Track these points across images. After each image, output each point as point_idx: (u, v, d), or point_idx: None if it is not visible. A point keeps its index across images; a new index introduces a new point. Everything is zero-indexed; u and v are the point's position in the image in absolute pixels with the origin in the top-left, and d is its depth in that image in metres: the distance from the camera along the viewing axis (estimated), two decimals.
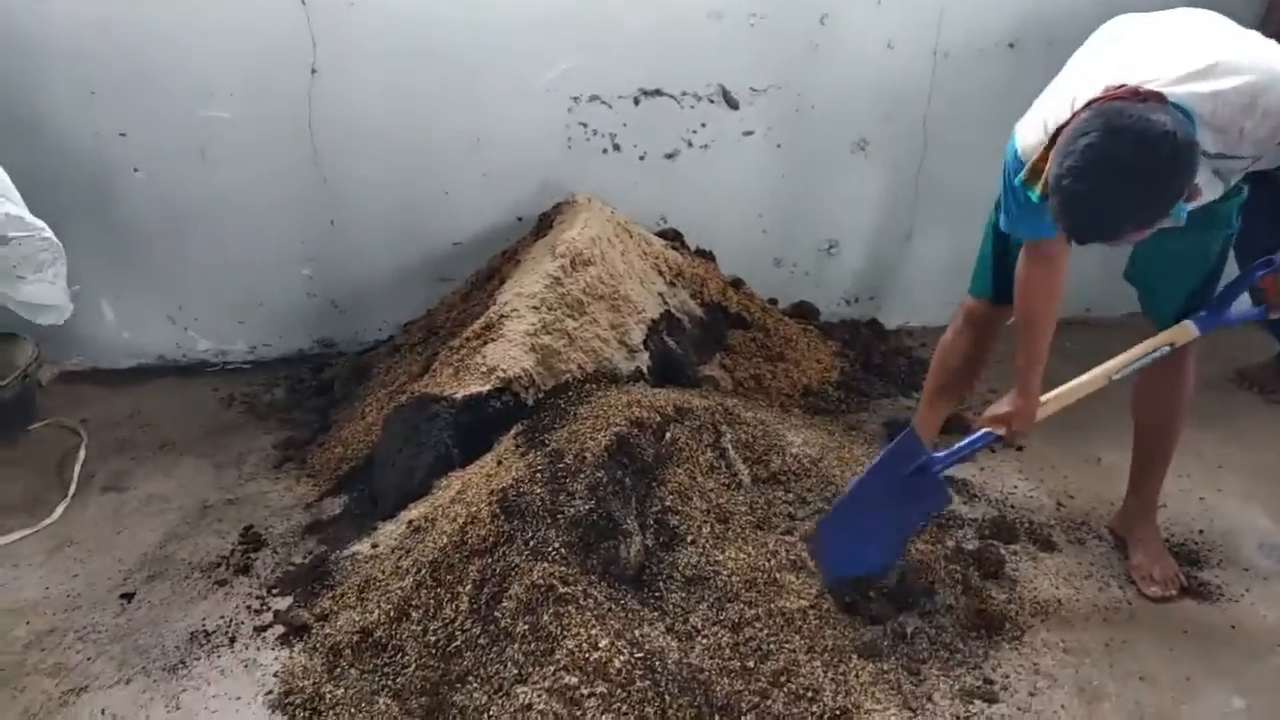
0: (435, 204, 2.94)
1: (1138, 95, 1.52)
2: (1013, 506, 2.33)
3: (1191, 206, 1.57)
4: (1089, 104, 1.54)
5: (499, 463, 2.12)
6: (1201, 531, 2.23)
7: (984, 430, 1.97)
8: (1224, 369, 2.91)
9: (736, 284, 3.00)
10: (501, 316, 2.43)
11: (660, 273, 2.78)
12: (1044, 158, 1.60)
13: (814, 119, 2.92)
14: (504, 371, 2.32)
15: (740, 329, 2.87)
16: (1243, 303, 1.98)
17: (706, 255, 3.03)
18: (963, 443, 1.98)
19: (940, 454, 1.97)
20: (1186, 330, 1.91)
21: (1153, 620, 1.98)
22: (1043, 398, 1.96)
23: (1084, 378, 1.95)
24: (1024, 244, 1.87)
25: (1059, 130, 1.58)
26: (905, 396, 2.81)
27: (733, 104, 2.89)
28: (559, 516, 1.93)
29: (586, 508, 1.94)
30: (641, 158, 2.94)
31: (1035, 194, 1.61)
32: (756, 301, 3.00)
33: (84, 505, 2.40)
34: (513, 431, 2.22)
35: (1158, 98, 1.52)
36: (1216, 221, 1.85)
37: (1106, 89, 1.56)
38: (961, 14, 2.80)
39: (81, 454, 2.57)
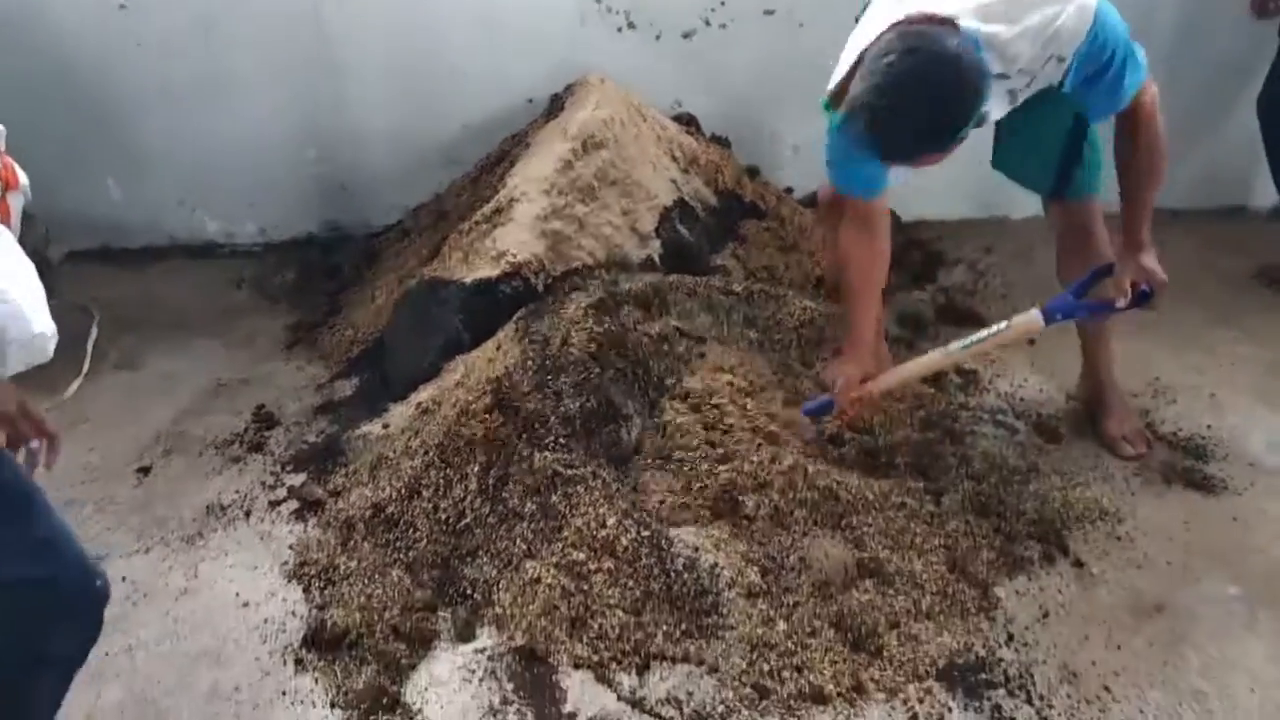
0: (444, 85, 2.86)
1: (933, 20, 1.58)
2: (1021, 399, 2.33)
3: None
4: (891, 25, 1.59)
5: (499, 348, 2.11)
6: (1210, 426, 2.23)
7: (825, 396, 1.99)
8: (1246, 266, 2.86)
9: (752, 172, 2.94)
10: (511, 200, 2.39)
11: (674, 158, 2.71)
12: (848, 80, 1.66)
13: None
14: (513, 256, 2.29)
15: (754, 218, 2.82)
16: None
17: (722, 141, 2.96)
18: (811, 404, 2.02)
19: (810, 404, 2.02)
20: (1032, 319, 1.90)
21: (1154, 511, 1.99)
22: (886, 377, 1.98)
23: (924, 360, 1.97)
24: (847, 206, 1.93)
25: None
26: (919, 289, 2.78)
27: None
28: (558, 404, 1.94)
29: (582, 396, 1.95)
30: (657, 37, 2.84)
31: (836, 116, 1.64)
32: (772, 190, 2.94)
33: (98, 383, 2.42)
34: (515, 317, 2.20)
35: (951, 23, 1.57)
36: (1056, 96, 1.79)
37: (907, 16, 1.60)
38: None
39: (94, 333, 2.58)
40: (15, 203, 1.75)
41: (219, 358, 2.52)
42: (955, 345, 1.94)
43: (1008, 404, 2.31)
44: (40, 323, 1.46)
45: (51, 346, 1.81)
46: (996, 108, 1.71)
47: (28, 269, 1.48)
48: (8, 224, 1.56)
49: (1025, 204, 3.08)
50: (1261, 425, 2.23)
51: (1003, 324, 1.91)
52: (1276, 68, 2.63)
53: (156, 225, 3.03)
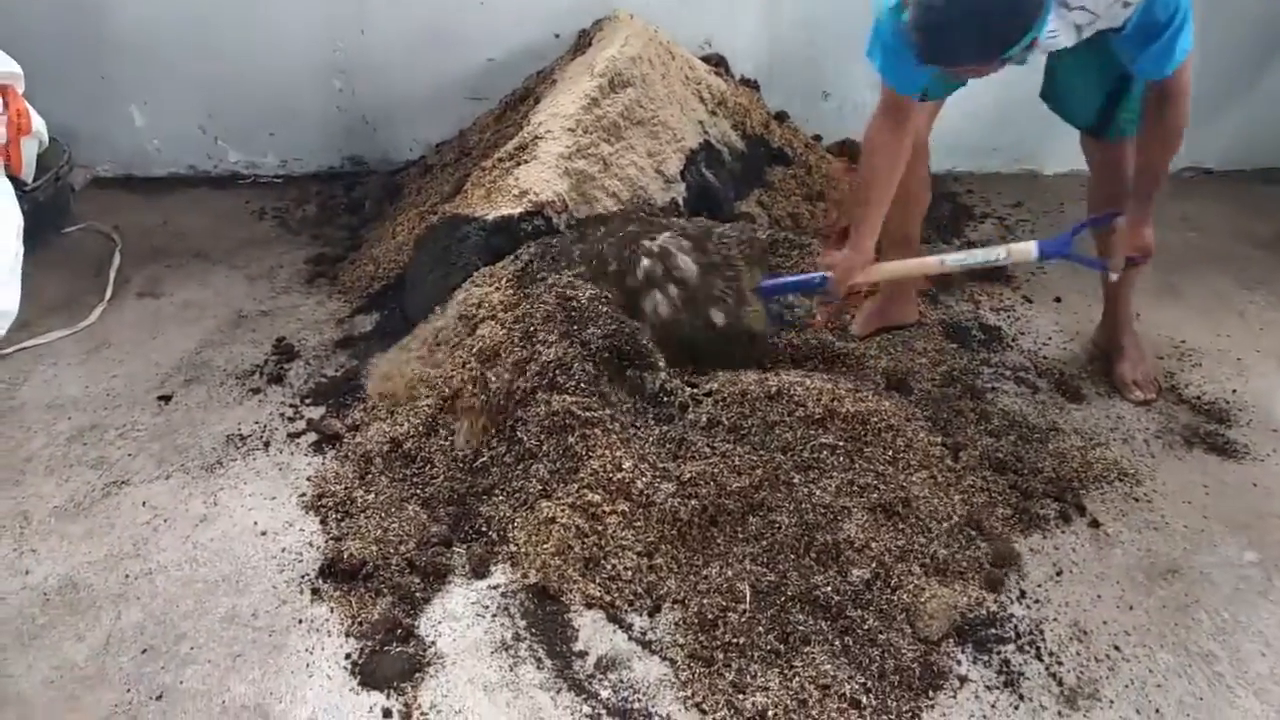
0: (470, 18, 2.81)
1: None
2: (1044, 357, 2.30)
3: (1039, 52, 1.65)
4: None
5: (520, 287, 2.08)
6: (1234, 391, 2.20)
7: (818, 274, 2.01)
8: (1274, 230, 2.80)
9: (780, 117, 2.88)
10: (535, 138, 2.36)
11: (702, 100, 2.66)
12: None
13: None
14: (536, 195, 2.27)
15: (781, 165, 2.78)
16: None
17: (751, 84, 2.90)
18: (792, 278, 2.08)
19: (768, 282, 2.09)
20: (1027, 250, 1.95)
21: (1174, 473, 1.98)
22: (882, 265, 2.03)
23: (919, 260, 2.05)
24: (881, 97, 1.89)
25: None
26: (946, 242, 2.74)
27: None
28: (580, 348, 1.93)
29: (607, 342, 1.94)
30: None
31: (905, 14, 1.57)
32: (800, 137, 2.89)
33: (120, 309, 2.43)
34: (535, 253, 2.16)
35: None
36: (1110, 39, 1.76)
37: None
38: None
39: (116, 259, 2.59)
40: (29, 148, 1.72)
41: (241, 288, 2.53)
42: (952, 257, 2.02)
43: (1030, 361, 2.28)
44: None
45: (4, 325, 1.76)
46: (1064, 36, 1.67)
47: (7, 238, 1.42)
48: (17, 170, 1.54)
49: (1057, 159, 3.04)
50: None
51: (1001, 251, 1.98)
52: None
53: (179, 155, 3.02)
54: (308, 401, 2.12)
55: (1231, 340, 2.36)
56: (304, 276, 2.58)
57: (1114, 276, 1.98)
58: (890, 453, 1.87)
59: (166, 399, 2.13)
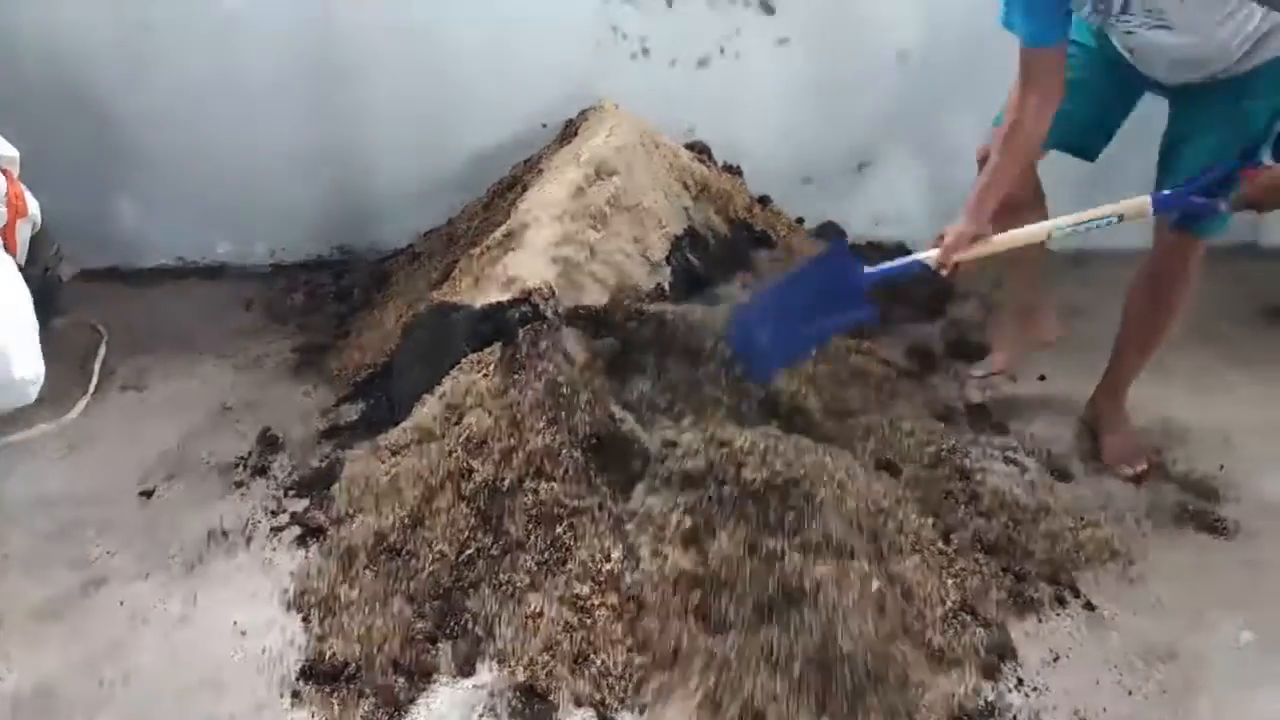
0: (459, 109, 2.88)
1: None
2: (1032, 435, 2.30)
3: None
4: None
5: (509, 374, 2.09)
6: (1222, 467, 2.20)
7: (915, 257, 2.02)
8: (1262, 305, 2.84)
9: (763, 201, 2.94)
10: (523, 225, 2.39)
11: (686, 186, 2.71)
12: None
13: (853, 27, 2.80)
14: (524, 282, 2.28)
15: (765, 248, 2.81)
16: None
17: (734, 170, 2.96)
18: (894, 263, 2.05)
19: (871, 270, 2.03)
20: (1142, 206, 1.87)
21: (1166, 552, 1.97)
22: (993, 238, 1.96)
23: (1025, 230, 1.96)
24: (1022, 72, 1.84)
25: None
26: (928, 322, 2.77)
27: (769, 9, 2.77)
28: (568, 435, 1.92)
29: (595, 429, 1.93)
30: (672, 64, 2.85)
31: None
32: (783, 220, 2.93)
33: (104, 403, 2.42)
34: (519, 341, 2.17)
35: None
36: (1261, 89, 1.79)
37: None
38: None
39: (102, 352, 2.58)
40: (23, 231, 1.73)
41: (226, 379, 2.52)
42: (1064, 220, 1.91)
43: (1018, 440, 2.28)
44: (23, 366, 1.40)
45: (34, 391, 1.77)
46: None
47: (23, 307, 1.43)
48: (13, 253, 1.54)
49: None
50: (1275, 467, 2.21)
51: (1113, 211, 1.87)
52: None
53: (168, 245, 3.04)
54: (291, 494, 2.10)
55: (1218, 417, 2.37)
56: (290, 366, 2.58)
57: (1224, 207, 1.87)
58: (883, 537, 1.86)
59: (148, 494, 2.11)
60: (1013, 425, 2.34)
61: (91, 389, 2.44)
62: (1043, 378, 2.53)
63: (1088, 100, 2.02)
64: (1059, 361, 2.56)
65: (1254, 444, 2.28)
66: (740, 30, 2.80)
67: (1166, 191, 1.89)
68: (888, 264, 2.07)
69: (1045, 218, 2.03)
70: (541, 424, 1.95)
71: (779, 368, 2.14)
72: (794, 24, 2.79)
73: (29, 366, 1.72)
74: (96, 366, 2.52)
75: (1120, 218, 1.88)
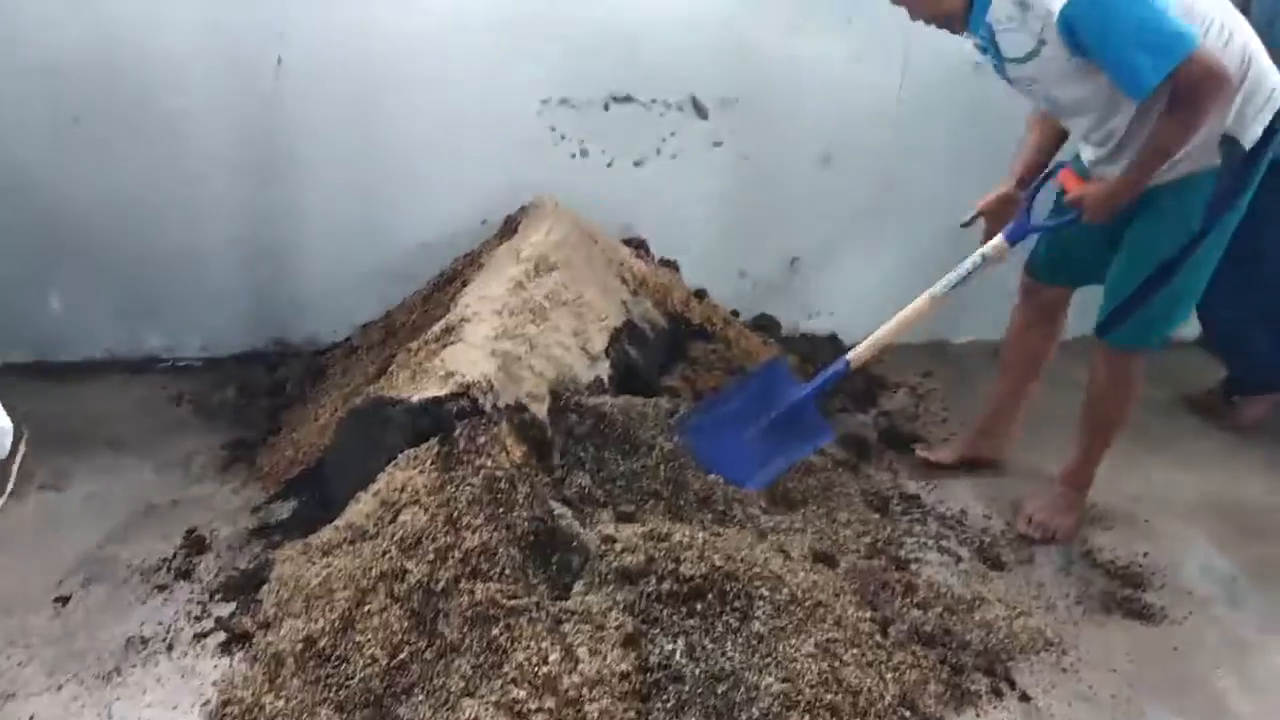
0: (399, 203, 2.91)
1: None
2: (963, 525, 2.35)
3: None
4: None
5: (445, 471, 2.07)
6: (1146, 554, 2.27)
7: (840, 360, 2.31)
8: (1173, 394, 2.97)
9: (700, 295, 3.00)
10: (462, 320, 2.40)
11: (624, 281, 2.76)
12: None
13: (781, 131, 2.93)
14: (463, 376, 2.27)
15: (702, 340, 2.87)
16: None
17: (671, 265, 3.03)
18: (826, 373, 2.31)
19: (811, 388, 2.29)
20: (1000, 245, 2.12)
21: (1096, 640, 2.00)
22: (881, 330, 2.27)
23: (908, 308, 2.23)
24: (1199, 69, 1.77)
25: None
26: (862, 412, 2.83)
27: (703, 113, 2.89)
28: (505, 532, 1.91)
29: (532, 526, 1.92)
30: (609, 164, 2.93)
31: None
32: (719, 313, 3.00)
33: (21, 504, 2.31)
34: (456, 435, 2.16)
35: None
36: (1167, 216, 1.97)
37: None
38: (927, 31, 2.81)
39: (21, 450, 2.48)
40: None
41: (152, 478, 2.44)
42: (938, 285, 2.19)
43: (950, 530, 2.32)
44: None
45: (7, 442, 1.81)
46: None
47: None
48: None
49: (964, 328, 3.21)
50: (1195, 552, 2.28)
51: (976, 257, 2.14)
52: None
53: (96, 338, 2.97)
54: (217, 597, 2.02)
55: (1138, 503, 2.45)
56: (220, 463, 2.51)
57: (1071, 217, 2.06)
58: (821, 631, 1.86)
59: (64, 600, 2.01)
60: (946, 513, 2.39)
61: (8, 489, 2.34)
62: (972, 466, 2.59)
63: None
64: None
65: (1174, 529, 2.36)
66: (675, 132, 2.90)
67: (1011, 226, 2.15)
68: (820, 375, 2.33)
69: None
70: (479, 521, 1.93)
71: (759, 482, 2.27)
72: (726, 128, 2.91)
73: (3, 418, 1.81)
74: (14, 467, 2.42)
75: (984, 258, 2.14)
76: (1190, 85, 1.78)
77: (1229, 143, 1.93)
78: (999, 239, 2.12)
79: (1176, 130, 1.84)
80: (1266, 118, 1.92)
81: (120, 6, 2.55)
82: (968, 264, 2.15)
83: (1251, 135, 1.92)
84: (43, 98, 2.62)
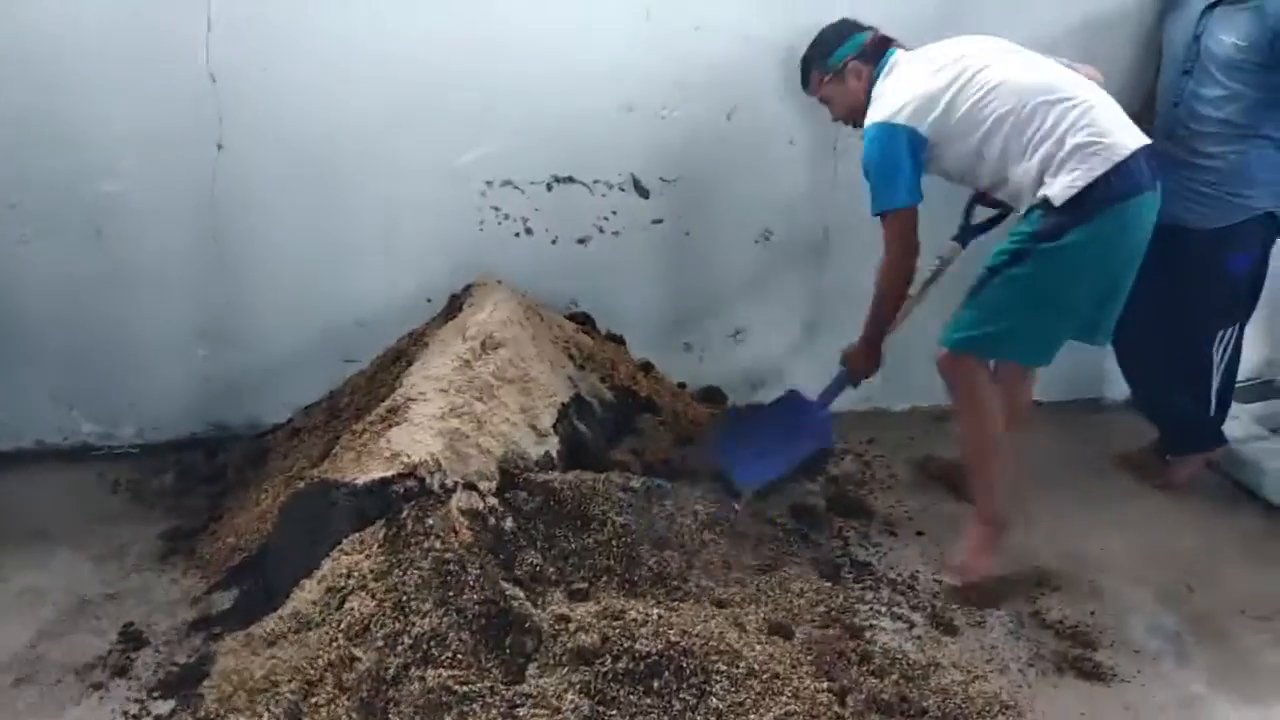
0: (341, 284, 2.90)
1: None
2: (914, 590, 2.37)
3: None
4: None
5: (392, 554, 2.03)
6: (1093, 613, 2.31)
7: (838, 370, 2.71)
8: (1108, 454, 3.06)
9: (646, 367, 3.03)
10: (408, 399, 2.38)
11: (571, 356, 2.78)
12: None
13: (721, 209, 3.01)
14: (409, 456, 2.25)
15: (650, 413, 2.88)
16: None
17: (617, 339, 3.06)
18: (830, 385, 2.74)
19: (822, 399, 2.76)
20: (950, 246, 2.57)
21: (1051, 702, 2.02)
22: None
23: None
24: (892, 236, 2.35)
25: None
26: (811, 481, 2.85)
27: (643, 193, 2.96)
28: (456, 615, 1.87)
29: (482, 609, 1.89)
30: (553, 242, 2.97)
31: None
32: (666, 385, 3.03)
33: None
34: (401, 516, 2.13)
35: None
36: (1001, 256, 2.22)
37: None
38: None
39: None
40: None
41: (86, 570, 2.36)
42: (913, 287, 2.48)
43: (902, 595, 2.34)
44: None
45: None
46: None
47: None
48: None
49: (903, 396, 3.28)
50: (1140, 610, 2.33)
51: (934, 260, 2.52)
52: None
53: (25, 427, 2.88)
54: (155, 695, 1.94)
55: (1082, 564, 2.50)
56: (157, 553, 2.43)
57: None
58: (779, 705, 1.84)
59: None
60: (896, 579, 2.40)
61: None
62: (921, 533, 2.63)
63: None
64: (936, 517, 2.68)
65: (1118, 588, 2.40)
66: (617, 211, 2.96)
67: (955, 233, 2.57)
68: (827, 389, 2.76)
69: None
70: (428, 605, 1.90)
71: (755, 481, 2.63)
72: (666, 207, 2.98)
73: None
74: None
75: (940, 259, 2.53)
76: (890, 235, 2.35)
77: (1043, 199, 2.17)
78: (952, 243, 2.54)
79: (883, 271, 2.42)
80: (1079, 181, 2.11)
81: (52, 92, 2.54)
82: (930, 267, 2.51)
83: (1060, 195, 2.12)
84: None
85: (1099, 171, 2.10)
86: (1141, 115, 2.89)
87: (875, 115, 2.32)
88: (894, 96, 2.30)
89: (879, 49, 2.45)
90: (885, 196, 2.29)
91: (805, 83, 2.61)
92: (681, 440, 2.84)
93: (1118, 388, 3.31)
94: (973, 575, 2.35)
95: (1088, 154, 2.11)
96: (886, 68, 2.41)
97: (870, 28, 2.51)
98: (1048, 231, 2.14)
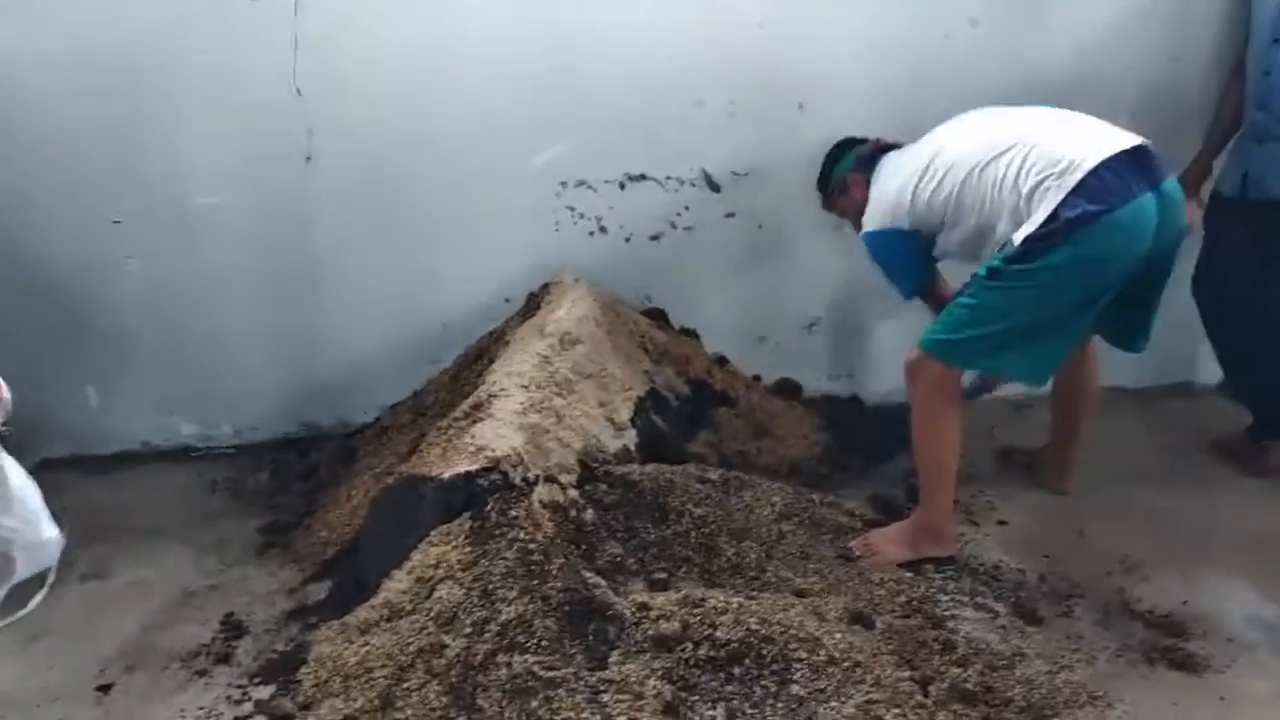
0: (424, 285, 2.99)
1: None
2: (997, 581, 2.33)
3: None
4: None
5: (475, 545, 2.09)
6: (1185, 603, 2.24)
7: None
8: (1199, 441, 2.96)
9: (721, 361, 3.05)
10: (490, 396, 2.45)
11: (646, 351, 2.82)
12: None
13: (793, 200, 3.00)
14: (492, 450, 2.31)
15: (725, 406, 2.90)
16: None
17: (691, 334, 3.08)
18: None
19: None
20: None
21: (1141, 692, 1.97)
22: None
23: None
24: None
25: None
26: (890, 472, 2.83)
27: (715, 187, 2.98)
28: (541, 603, 1.92)
29: (568, 595, 1.94)
30: (627, 239, 3.01)
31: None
32: (740, 378, 3.04)
33: (62, 594, 2.36)
34: (486, 510, 2.18)
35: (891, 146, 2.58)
36: (979, 276, 2.21)
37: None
38: (932, 98, 2.89)
39: (61, 542, 2.53)
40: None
41: (190, 564, 2.48)
42: None
43: (986, 585, 2.31)
44: (49, 528, 1.60)
45: (58, 552, 2.05)
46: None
47: (30, 480, 1.63)
48: None
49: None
50: (1236, 599, 2.25)
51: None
52: (1205, 252, 2.82)
53: (131, 431, 3.05)
54: (256, 680, 2.03)
55: (1173, 552, 2.43)
56: (255, 547, 2.55)
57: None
58: (861, 692, 1.84)
59: (106, 689, 2.03)
60: (979, 570, 2.37)
61: (49, 581, 2.39)
62: (1003, 522, 2.59)
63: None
64: (1021, 507, 2.63)
65: (1211, 577, 2.33)
66: (689, 207, 2.99)
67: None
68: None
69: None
70: (514, 593, 1.95)
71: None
72: (737, 200, 3.00)
73: (52, 528, 2.05)
74: (55, 562, 2.47)
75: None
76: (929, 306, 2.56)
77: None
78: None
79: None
80: (1039, 217, 2.10)
81: (152, 108, 2.68)
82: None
83: (1022, 232, 2.12)
84: (74, 206, 2.76)
85: (1055, 202, 2.08)
86: (1231, 88, 2.81)
87: (865, 224, 2.48)
88: (876, 204, 2.45)
89: (874, 157, 2.56)
90: (904, 287, 2.55)
91: (824, 204, 2.78)
92: (758, 433, 2.85)
93: (1210, 371, 3.20)
94: (872, 555, 2.35)
95: (1044, 191, 2.11)
96: (875, 174, 2.52)
97: (867, 139, 2.65)
98: (1017, 256, 2.12)
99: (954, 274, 2.47)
